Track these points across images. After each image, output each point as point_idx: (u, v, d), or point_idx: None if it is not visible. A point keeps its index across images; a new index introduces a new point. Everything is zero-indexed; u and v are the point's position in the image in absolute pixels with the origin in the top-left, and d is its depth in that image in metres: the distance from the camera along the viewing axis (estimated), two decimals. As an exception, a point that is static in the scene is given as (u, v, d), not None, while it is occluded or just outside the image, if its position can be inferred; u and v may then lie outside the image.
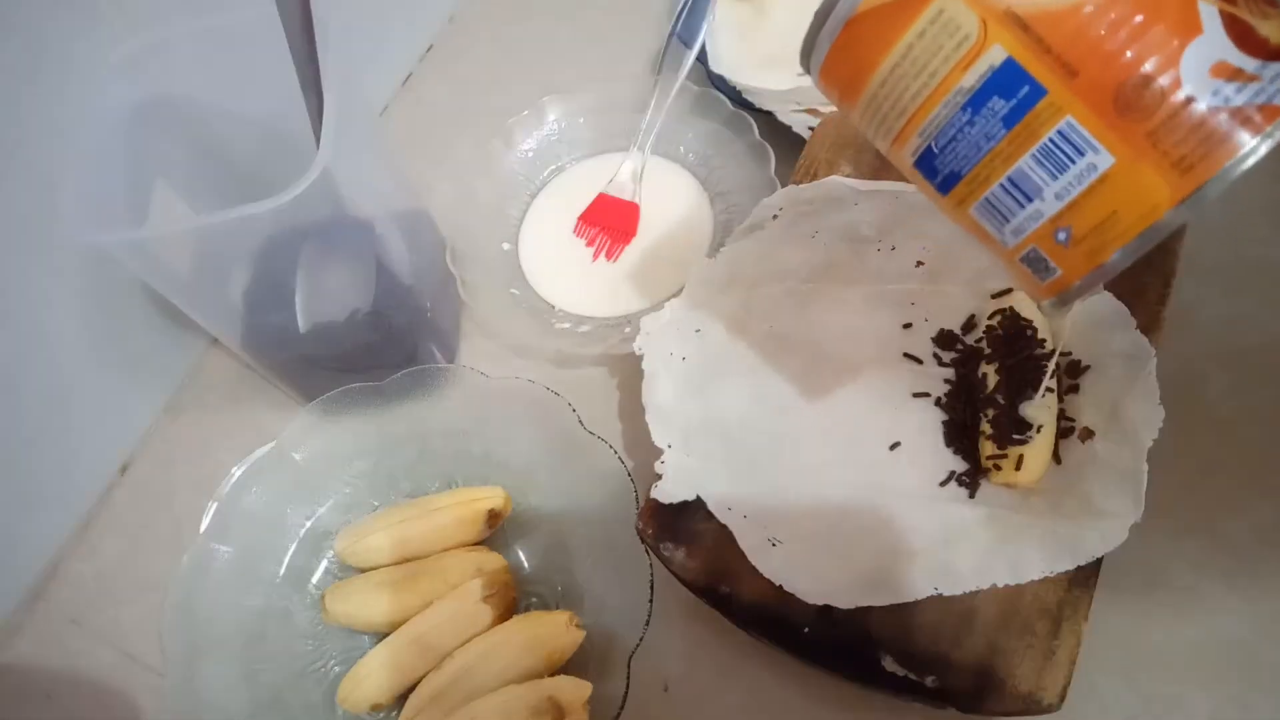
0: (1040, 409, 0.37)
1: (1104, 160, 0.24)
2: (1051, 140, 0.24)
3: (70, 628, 0.47)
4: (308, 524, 0.46)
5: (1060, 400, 0.38)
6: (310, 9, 0.37)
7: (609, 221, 0.55)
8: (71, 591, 0.49)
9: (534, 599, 0.44)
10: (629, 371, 0.50)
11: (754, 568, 0.37)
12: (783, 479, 0.40)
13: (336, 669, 0.43)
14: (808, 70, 0.28)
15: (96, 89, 0.42)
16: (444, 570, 0.42)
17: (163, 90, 0.44)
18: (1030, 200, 0.25)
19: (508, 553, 0.44)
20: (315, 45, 0.38)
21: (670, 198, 0.56)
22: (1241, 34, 0.23)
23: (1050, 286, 0.26)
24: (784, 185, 0.47)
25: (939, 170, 0.27)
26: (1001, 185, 0.25)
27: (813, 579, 0.36)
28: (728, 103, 0.55)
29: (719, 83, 0.56)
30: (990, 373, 0.39)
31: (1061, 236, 0.25)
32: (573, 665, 0.40)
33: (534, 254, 0.56)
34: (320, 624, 0.43)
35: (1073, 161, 0.24)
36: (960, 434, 0.39)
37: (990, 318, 0.41)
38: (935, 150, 0.26)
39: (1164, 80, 0.23)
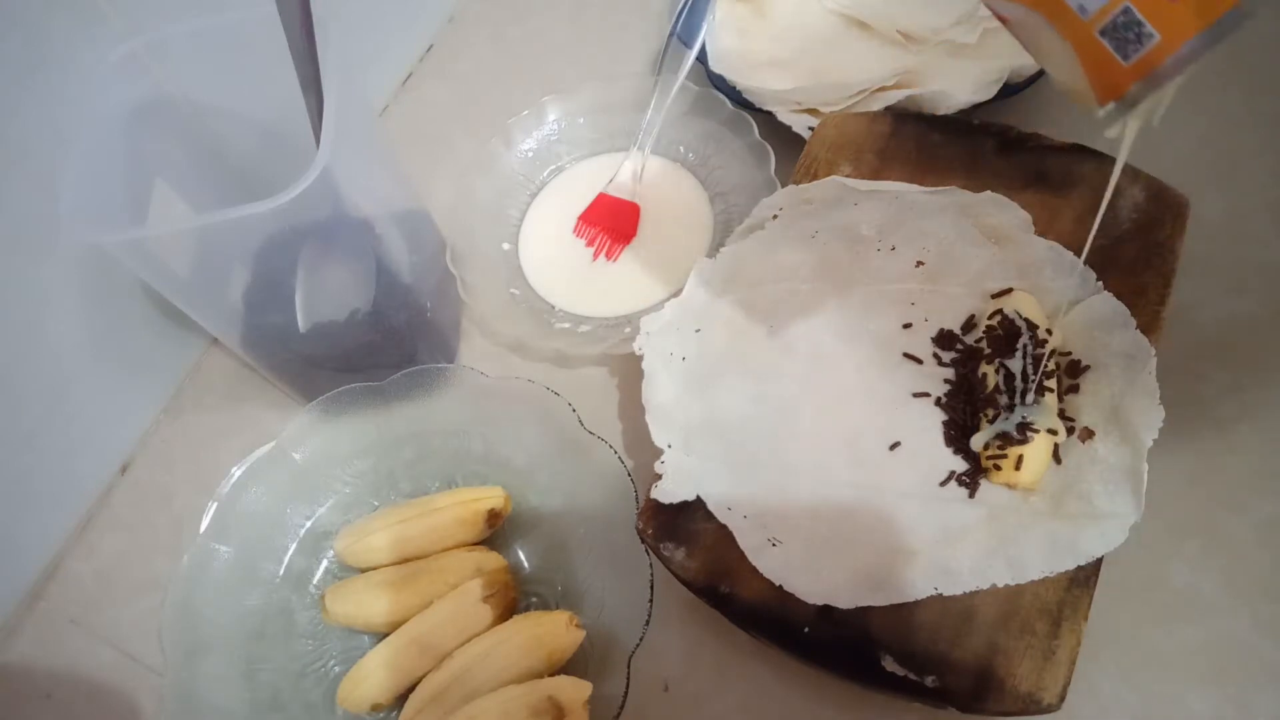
0: (1041, 410, 0.37)
1: None
2: None
3: (70, 628, 0.47)
4: (308, 524, 0.46)
5: (1060, 400, 0.38)
6: (310, 9, 0.37)
7: (609, 221, 0.55)
8: (71, 591, 0.49)
9: (534, 599, 0.44)
10: (629, 371, 0.50)
11: (754, 568, 0.37)
12: (783, 479, 0.40)
13: (336, 669, 0.43)
14: None
15: (96, 89, 0.42)
16: (444, 570, 0.42)
17: (163, 90, 0.44)
18: None
19: (508, 553, 0.44)
20: (315, 45, 0.38)
21: (670, 198, 0.56)
22: None
23: (1137, 66, 0.21)
24: (784, 185, 0.47)
25: None
26: None
27: (813, 579, 0.36)
28: (728, 103, 0.55)
29: (719, 83, 0.56)
30: (990, 373, 0.39)
31: None
32: (573, 665, 0.40)
33: (534, 254, 0.56)
34: (320, 624, 0.44)
35: None
36: (960, 434, 0.39)
37: (990, 318, 0.41)
38: None
39: None
